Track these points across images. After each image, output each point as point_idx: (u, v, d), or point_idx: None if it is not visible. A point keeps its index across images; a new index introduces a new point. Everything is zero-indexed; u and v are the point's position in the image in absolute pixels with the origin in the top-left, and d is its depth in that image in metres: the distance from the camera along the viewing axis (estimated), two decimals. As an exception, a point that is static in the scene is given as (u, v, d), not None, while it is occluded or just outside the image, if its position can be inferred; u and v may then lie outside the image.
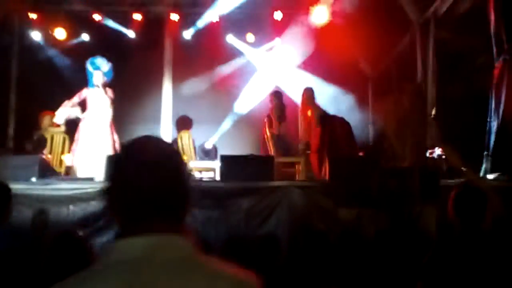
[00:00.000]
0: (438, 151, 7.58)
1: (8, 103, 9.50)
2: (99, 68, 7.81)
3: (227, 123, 10.06)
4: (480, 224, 3.20)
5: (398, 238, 6.09)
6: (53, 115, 7.84)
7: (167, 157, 1.56)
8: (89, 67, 7.88)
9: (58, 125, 7.90)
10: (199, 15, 10.04)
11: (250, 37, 10.18)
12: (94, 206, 6.05)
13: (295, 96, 9.01)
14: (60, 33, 9.78)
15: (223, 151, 8.92)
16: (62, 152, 8.02)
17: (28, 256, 4.00)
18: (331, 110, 8.40)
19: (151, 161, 1.52)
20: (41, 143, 7.77)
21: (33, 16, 9.70)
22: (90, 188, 6.16)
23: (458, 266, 3.08)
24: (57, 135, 8.12)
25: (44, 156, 7.44)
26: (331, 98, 9.35)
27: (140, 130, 10.13)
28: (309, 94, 8.09)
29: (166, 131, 10.07)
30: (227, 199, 6.29)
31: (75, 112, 7.65)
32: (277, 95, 8.52)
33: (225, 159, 6.74)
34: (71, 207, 5.97)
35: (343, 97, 9.80)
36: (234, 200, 6.29)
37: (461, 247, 3.16)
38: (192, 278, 1.46)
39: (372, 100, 10.52)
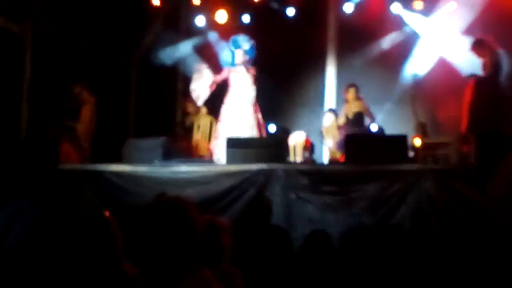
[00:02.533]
0: None
1: (176, 88, 9.89)
2: (241, 47, 7.65)
3: (391, 102, 9.18)
4: None
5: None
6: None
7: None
8: (230, 46, 7.76)
9: (198, 110, 8.00)
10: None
11: (418, 4, 9.10)
12: (211, 189, 5.93)
13: (462, 66, 7.83)
14: (221, 16, 9.86)
15: (390, 131, 8.20)
16: (210, 135, 8.07)
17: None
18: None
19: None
20: (190, 129, 7.95)
21: (197, 1, 9.94)
22: (207, 171, 6.05)
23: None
24: (204, 117, 8.20)
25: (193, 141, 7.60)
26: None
27: (303, 112, 9.99)
28: None
29: (329, 111, 9.58)
30: (350, 184, 5.66)
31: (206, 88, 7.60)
32: None
33: (349, 139, 6.07)
34: (188, 189, 5.92)
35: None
36: (357, 186, 5.63)
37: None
38: None
39: None
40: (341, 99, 9.11)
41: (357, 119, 8.28)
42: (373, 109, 8.59)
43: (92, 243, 3.10)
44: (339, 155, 7.81)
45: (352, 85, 8.47)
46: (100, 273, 2.86)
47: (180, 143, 7.99)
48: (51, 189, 6.00)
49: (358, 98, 8.41)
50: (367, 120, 8.40)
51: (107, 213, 3.48)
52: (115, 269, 2.88)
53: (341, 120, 8.44)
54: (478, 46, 6.95)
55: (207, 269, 2.18)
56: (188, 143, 8.08)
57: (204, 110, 8.08)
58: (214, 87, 7.70)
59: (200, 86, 7.68)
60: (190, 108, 8.47)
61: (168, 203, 2.21)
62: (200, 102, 7.78)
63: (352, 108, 8.39)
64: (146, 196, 5.90)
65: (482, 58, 6.93)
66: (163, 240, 2.08)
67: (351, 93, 8.40)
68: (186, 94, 8.73)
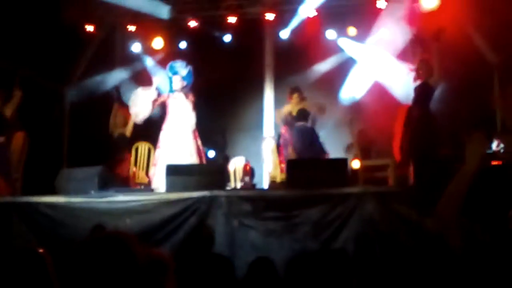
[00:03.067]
0: None
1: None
2: (178, 73, 7.59)
3: (330, 123, 9.29)
4: None
5: (496, 251, 4.98)
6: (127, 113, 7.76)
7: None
8: (167, 72, 7.68)
9: (126, 121, 7.88)
10: (294, 12, 9.43)
11: (351, 30, 9.33)
12: (151, 218, 5.77)
13: (397, 90, 8.04)
14: (157, 43, 9.76)
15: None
16: (148, 163, 7.88)
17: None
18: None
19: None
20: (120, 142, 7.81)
21: (132, 28, 9.81)
22: (146, 200, 5.89)
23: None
24: (142, 145, 8.03)
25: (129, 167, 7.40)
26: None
27: (242, 137, 9.96)
28: None
29: (269, 136, 9.58)
30: (293, 209, 5.63)
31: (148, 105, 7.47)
32: None
33: (291, 164, 6.07)
34: (127, 220, 5.73)
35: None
36: (300, 210, 5.61)
37: None
38: None
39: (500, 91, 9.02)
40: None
41: (302, 115, 8.24)
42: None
43: (25, 282, 2.90)
44: (279, 179, 7.79)
45: (295, 89, 8.45)
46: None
47: (118, 169, 7.76)
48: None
49: (302, 99, 8.39)
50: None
51: (41, 250, 3.28)
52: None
53: (284, 111, 8.42)
54: (422, 66, 7.07)
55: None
56: (125, 167, 7.86)
57: (130, 125, 7.87)
58: (156, 105, 7.54)
59: (140, 104, 7.51)
60: (119, 118, 8.30)
61: (107, 238, 2.08)
62: (139, 119, 7.59)
63: (296, 107, 8.37)
64: (83, 229, 5.66)
65: (419, 78, 7.03)
66: (102, 278, 1.95)
67: (294, 99, 8.37)
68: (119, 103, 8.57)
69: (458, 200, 2.36)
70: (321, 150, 7.89)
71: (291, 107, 8.39)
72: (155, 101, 7.52)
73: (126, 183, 7.46)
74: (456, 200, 2.34)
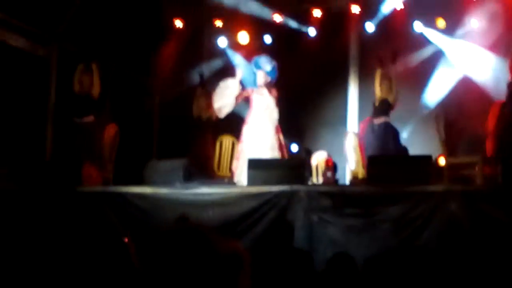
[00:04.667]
0: None
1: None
2: (262, 68, 7.64)
3: (415, 121, 9.05)
4: None
5: None
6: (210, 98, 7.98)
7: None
8: (252, 67, 7.77)
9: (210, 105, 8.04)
10: (380, 4, 9.24)
11: (440, 22, 9.01)
12: (232, 211, 5.89)
13: (488, 85, 7.71)
14: (243, 37, 9.90)
15: (414, 151, 8.07)
16: (231, 157, 8.04)
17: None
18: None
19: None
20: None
21: (219, 23, 10.02)
22: (228, 192, 6.02)
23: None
24: (226, 139, 8.20)
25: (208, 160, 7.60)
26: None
27: (325, 132, 9.92)
28: None
29: (351, 131, 9.49)
30: (373, 206, 5.56)
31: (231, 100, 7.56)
32: None
33: (372, 160, 5.99)
34: (209, 211, 5.89)
35: None
36: (381, 207, 5.53)
37: None
38: None
39: None
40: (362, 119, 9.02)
41: (382, 108, 8.00)
42: (397, 127, 8.43)
43: (109, 270, 3.08)
44: (361, 175, 7.68)
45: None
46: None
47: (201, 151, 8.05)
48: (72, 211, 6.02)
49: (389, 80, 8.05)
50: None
51: (126, 239, 3.46)
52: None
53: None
54: None
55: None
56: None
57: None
58: (239, 100, 7.66)
59: (223, 98, 7.65)
60: (201, 102, 8.55)
61: (188, 230, 2.16)
62: (222, 114, 7.74)
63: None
64: (168, 219, 5.90)
65: None
66: (182, 269, 2.04)
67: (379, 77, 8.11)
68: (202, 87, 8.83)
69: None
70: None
71: (377, 88, 8.07)
72: (239, 95, 7.62)
73: (210, 176, 7.67)
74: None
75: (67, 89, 7.99)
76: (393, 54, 8.22)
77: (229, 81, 7.73)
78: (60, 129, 8.06)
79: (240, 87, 7.66)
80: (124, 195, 6.26)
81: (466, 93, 8.29)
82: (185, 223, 2.37)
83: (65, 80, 8.07)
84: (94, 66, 7.86)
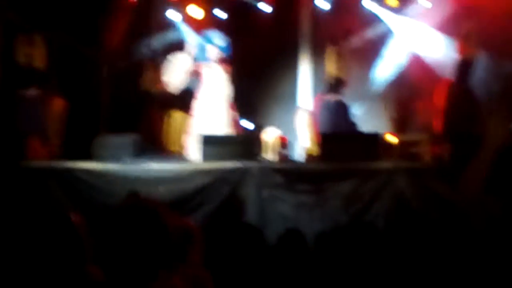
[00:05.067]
0: None
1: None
2: (213, 43, 7.53)
3: (365, 99, 9.16)
4: None
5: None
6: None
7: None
8: (203, 41, 7.62)
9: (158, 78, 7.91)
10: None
11: (392, 1, 9.10)
12: (184, 187, 5.84)
13: (436, 64, 7.86)
14: (194, 11, 9.73)
15: (365, 128, 8.17)
16: (182, 132, 7.95)
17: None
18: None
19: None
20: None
21: (169, -5, 9.80)
22: (179, 169, 5.96)
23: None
24: (176, 114, 8.10)
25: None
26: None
27: (278, 108, 9.92)
28: None
29: (303, 108, 9.53)
30: (324, 182, 5.62)
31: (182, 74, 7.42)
32: None
33: (325, 137, 6.04)
34: (160, 188, 5.82)
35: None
36: (331, 184, 5.60)
37: None
38: None
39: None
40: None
41: (336, 85, 8.05)
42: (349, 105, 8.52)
43: (56, 243, 2.99)
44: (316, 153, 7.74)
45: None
46: (62, 275, 2.76)
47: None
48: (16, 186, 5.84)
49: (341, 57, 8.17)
50: None
51: (74, 215, 3.37)
52: (78, 272, 2.78)
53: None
54: (467, 39, 6.84)
55: (177, 276, 2.11)
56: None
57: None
58: (192, 75, 7.50)
59: (173, 73, 7.50)
60: (151, 75, 8.43)
61: (138, 206, 2.14)
62: (173, 89, 7.60)
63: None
64: (118, 194, 5.79)
65: (461, 53, 6.83)
66: (132, 244, 2.01)
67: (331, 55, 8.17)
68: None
69: (481, 177, 2.34)
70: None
71: (329, 65, 8.15)
72: (190, 71, 7.49)
73: (161, 151, 7.57)
74: (479, 177, 2.32)
75: (10, 61, 7.68)
76: (345, 32, 8.27)
77: (180, 55, 7.59)
78: (3, 102, 7.76)
79: (191, 61, 7.54)
80: (72, 171, 6.11)
81: (416, 72, 8.44)
82: (135, 199, 2.32)
83: (8, 52, 7.75)
84: (37, 37, 7.57)
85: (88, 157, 6.47)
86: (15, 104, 7.47)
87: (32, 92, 7.44)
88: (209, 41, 7.59)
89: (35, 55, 7.51)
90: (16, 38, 7.59)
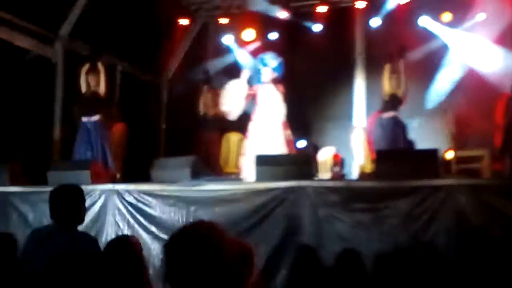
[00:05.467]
0: None
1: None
2: (267, 65, 7.64)
3: (423, 115, 9.02)
4: None
5: None
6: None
7: None
8: (257, 64, 7.77)
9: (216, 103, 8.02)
10: (385, -1, 9.25)
11: (446, 16, 8.99)
12: (240, 207, 5.89)
13: (495, 78, 7.68)
14: (248, 35, 9.92)
15: (422, 145, 8.04)
16: (238, 153, 8.06)
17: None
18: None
19: None
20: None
21: (224, 21, 10.04)
22: (235, 189, 6.02)
23: None
24: (233, 136, 8.22)
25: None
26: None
27: (332, 127, 9.91)
28: None
29: (358, 126, 9.49)
30: (381, 201, 5.54)
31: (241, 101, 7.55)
32: None
33: (380, 155, 5.97)
34: (217, 208, 5.89)
35: None
36: (388, 202, 5.51)
37: None
38: None
39: None
40: (369, 114, 8.98)
41: (392, 102, 7.95)
42: (405, 122, 8.40)
43: (117, 266, 3.09)
44: (369, 170, 7.67)
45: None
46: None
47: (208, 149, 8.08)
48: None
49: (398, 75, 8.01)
50: None
51: (134, 238, 3.48)
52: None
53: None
54: None
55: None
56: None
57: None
58: (248, 99, 7.65)
59: (231, 100, 7.65)
60: (208, 99, 8.58)
61: (200, 230, 2.14)
62: (233, 116, 7.74)
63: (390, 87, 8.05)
64: (175, 216, 5.94)
65: None
66: (188, 268, 2.00)
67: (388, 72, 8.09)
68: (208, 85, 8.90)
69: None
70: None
71: (384, 82, 8.05)
72: (246, 95, 7.60)
73: (217, 172, 7.69)
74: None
75: (74, 90, 8.01)
76: (401, 49, 8.20)
77: (236, 82, 7.72)
78: (68, 129, 8.09)
79: (247, 86, 7.66)
80: (132, 192, 6.28)
81: (473, 86, 8.27)
82: (191, 225, 2.31)
83: (72, 81, 8.09)
84: (100, 65, 7.87)
85: (148, 179, 6.65)
86: (79, 130, 7.76)
87: (95, 118, 7.72)
88: (263, 63, 7.70)
89: (97, 82, 7.79)
90: (80, 66, 7.91)
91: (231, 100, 7.66)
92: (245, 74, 7.68)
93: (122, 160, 7.94)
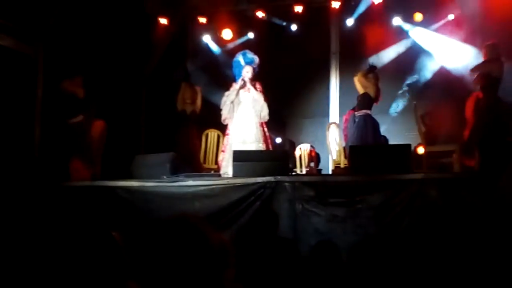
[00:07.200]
0: None
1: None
2: (252, 62, 7.70)
3: (397, 114, 9.27)
4: None
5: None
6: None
7: None
8: (240, 60, 7.74)
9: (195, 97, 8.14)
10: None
11: (418, 16, 9.23)
12: (218, 202, 6.01)
13: (465, 76, 7.92)
14: (227, 34, 10.05)
15: (394, 141, 8.28)
16: (217, 149, 8.18)
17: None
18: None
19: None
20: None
21: (202, 20, 10.14)
22: (213, 184, 6.14)
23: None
24: (211, 132, 8.32)
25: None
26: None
27: (308, 124, 10.10)
28: None
29: (333, 123, 9.68)
30: (355, 195, 5.72)
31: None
32: None
33: (354, 150, 6.15)
34: (196, 203, 6.01)
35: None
36: (363, 196, 5.70)
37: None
38: None
39: None
40: (344, 111, 9.17)
41: (365, 101, 8.08)
42: (378, 118, 8.63)
43: (97, 259, 3.16)
44: (343, 164, 7.84)
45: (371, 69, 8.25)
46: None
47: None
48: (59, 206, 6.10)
49: (376, 80, 8.15)
50: None
51: (114, 232, 3.55)
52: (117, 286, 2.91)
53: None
54: (492, 49, 6.89)
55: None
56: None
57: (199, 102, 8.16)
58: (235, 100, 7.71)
59: (226, 108, 7.71)
60: (187, 94, 8.66)
61: (183, 221, 2.17)
62: (227, 122, 7.80)
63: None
64: (155, 212, 6.02)
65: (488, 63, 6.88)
66: (174, 260, 2.05)
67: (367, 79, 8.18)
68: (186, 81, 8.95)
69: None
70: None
71: (358, 81, 8.21)
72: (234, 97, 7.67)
73: (196, 169, 7.80)
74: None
75: (54, 90, 8.01)
76: (374, 48, 8.41)
77: (231, 91, 7.73)
78: (48, 127, 8.09)
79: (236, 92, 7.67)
80: (111, 189, 6.35)
81: (444, 84, 8.52)
82: (180, 216, 2.34)
83: (52, 80, 8.08)
84: (78, 79, 7.87)
85: (128, 176, 6.73)
86: (61, 131, 7.77)
87: (77, 119, 7.74)
88: (248, 60, 7.75)
89: (75, 88, 7.80)
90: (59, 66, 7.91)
91: (226, 107, 7.73)
92: (238, 84, 7.69)
93: (101, 157, 7.98)
